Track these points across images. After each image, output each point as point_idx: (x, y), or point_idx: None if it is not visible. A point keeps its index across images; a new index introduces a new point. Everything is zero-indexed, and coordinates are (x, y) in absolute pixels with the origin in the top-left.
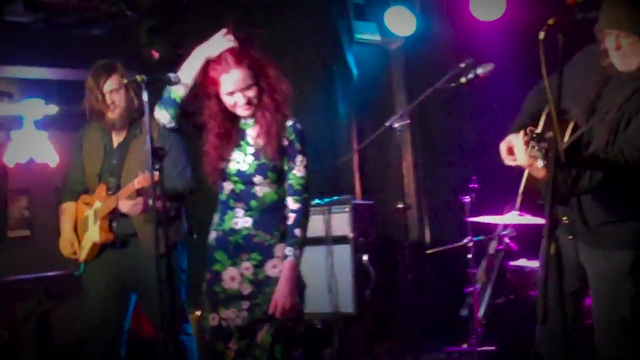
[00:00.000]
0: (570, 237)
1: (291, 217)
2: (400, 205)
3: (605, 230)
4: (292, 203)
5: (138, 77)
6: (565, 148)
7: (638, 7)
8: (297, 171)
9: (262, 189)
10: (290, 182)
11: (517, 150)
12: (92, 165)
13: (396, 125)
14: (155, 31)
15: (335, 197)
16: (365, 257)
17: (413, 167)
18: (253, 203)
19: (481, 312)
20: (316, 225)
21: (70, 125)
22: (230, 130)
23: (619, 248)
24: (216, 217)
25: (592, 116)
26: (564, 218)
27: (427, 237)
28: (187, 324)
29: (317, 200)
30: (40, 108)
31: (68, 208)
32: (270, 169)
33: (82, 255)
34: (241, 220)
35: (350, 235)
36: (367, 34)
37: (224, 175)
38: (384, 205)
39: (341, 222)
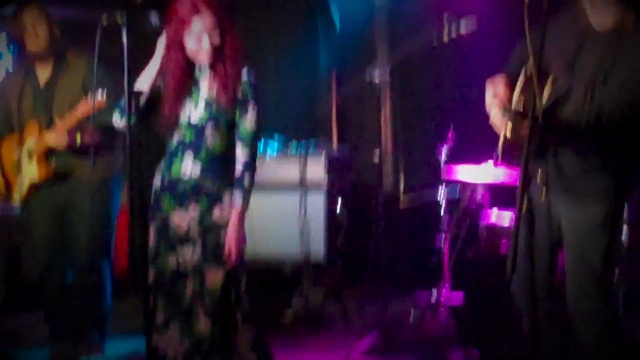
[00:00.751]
0: (543, 196)
1: (239, 165)
2: (376, 154)
3: (580, 180)
4: (241, 151)
5: (118, 17)
6: (545, 107)
7: None
8: (248, 121)
9: (213, 138)
10: (240, 132)
11: (493, 113)
12: (20, 104)
13: (375, 78)
14: None
15: (312, 141)
16: (338, 206)
17: (391, 119)
18: (203, 152)
19: (451, 263)
20: (291, 171)
21: None
22: (186, 82)
23: (594, 199)
24: (163, 164)
25: (570, 74)
26: (538, 175)
27: (402, 187)
28: (105, 264)
29: (293, 144)
30: None
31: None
32: (222, 119)
33: (17, 197)
34: (190, 167)
35: (324, 181)
36: None
37: (175, 125)
38: (360, 154)
39: (316, 169)
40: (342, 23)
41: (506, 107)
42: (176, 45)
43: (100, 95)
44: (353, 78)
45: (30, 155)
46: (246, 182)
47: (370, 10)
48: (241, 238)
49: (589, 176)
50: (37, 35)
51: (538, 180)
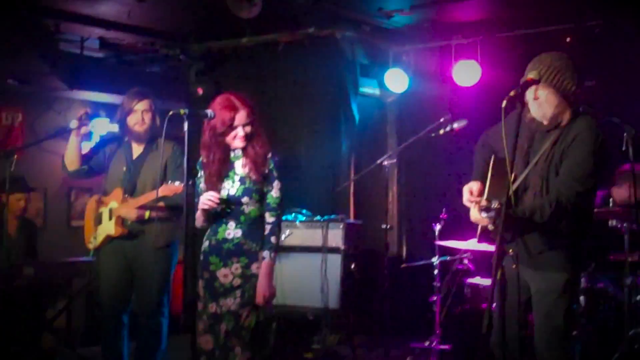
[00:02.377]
0: (514, 265)
1: (267, 228)
2: (384, 226)
3: (543, 256)
4: (269, 217)
5: (181, 110)
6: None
7: (555, 65)
8: (274, 192)
9: (249, 207)
10: (268, 200)
11: (472, 213)
12: (116, 172)
13: (386, 163)
14: (201, 73)
15: (332, 216)
16: (352, 266)
17: (397, 198)
18: (242, 218)
19: (441, 317)
20: (315, 237)
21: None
22: (224, 165)
23: (555, 270)
24: (210, 230)
25: (526, 167)
26: (510, 250)
27: (404, 253)
28: (166, 309)
29: (317, 217)
30: (106, 126)
31: (91, 202)
32: (254, 191)
33: (95, 244)
34: (232, 231)
35: (342, 247)
36: (369, 88)
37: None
38: (371, 225)
39: (335, 236)
40: (361, 116)
41: (483, 207)
42: (218, 135)
43: (179, 182)
44: (368, 162)
45: (110, 214)
46: (273, 240)
47: (382, 106)
48: (271, 284)
49: (550, 252)
50: (143, 121)
51: (510, 252)
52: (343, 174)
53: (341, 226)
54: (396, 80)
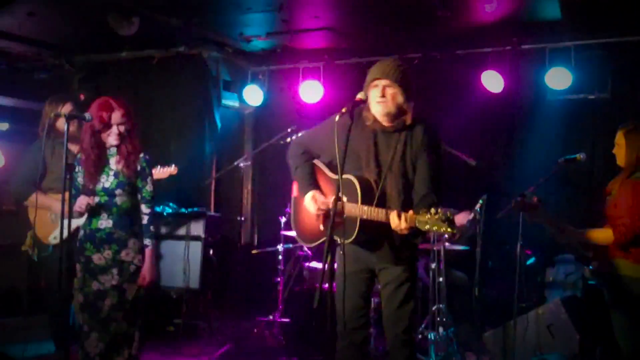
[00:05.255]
0: (342, 251)
1: (145, 218)
2: (239, 219)
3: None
4: (145, 208)
5: (62, 112)
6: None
7: (401, 67)
8: (148, 187)
9: (121, 198)
10: (144, 194)
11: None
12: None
13: (242, 165)
14: (84, 80)
15: (195, 208)
16: (211, 252)
17: (250, 194)
18: (114, 209)
19: (285, 294)
20: (180, 227)
21: (16, 138)
22: (100, 161)
23: (397, 264)
24: (85, 220)
25: (378, 168)
26: (343, 238)
27: (255, 241)
28: None
29: (182, 210)
30: None
31: (43, 200)
32: (127, 184)
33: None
34: (104, 222)
35: (203, 235)
36: (230, 101)
37: (93, 191)
38: (228, 218)
39: (197, 226)
40: (222, 124)
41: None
42: (95, 133)
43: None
44: (227, 163)
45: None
46: (152, 228)
47: (241, 117)
48: (154, 268)
49: (392, 242)
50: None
51: (338, 240)
52: (206, 173)
53: (202, 217)
54: (253, 95)
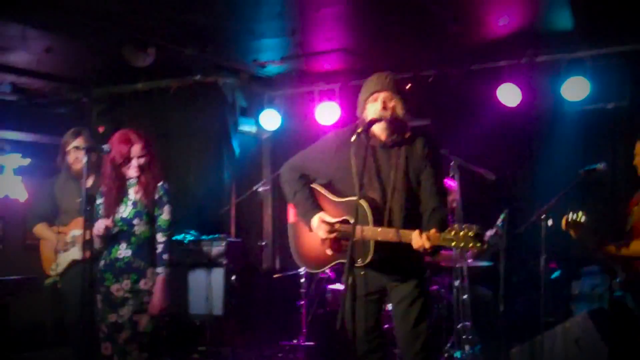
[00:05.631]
0: (363, 272)
1: (160, 247)
2: (260, 243)
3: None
4: (160, 237)
5: (81, 145)
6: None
7: (396, 80)
8: (164, 215)
9: (139, 228)
10: (159, 223)
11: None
12: (70, 203)
13: (261, 189)
14: (102, 113)
15: (216, 235)
16: (233, 278)
17: (271, 218)
18: (133, 239)
19: (308, 318)
20: (202, 254)
21: (39, 173)
22: (120, 193)
23: (407, 277)
24: (105, 250)
25: (381, 185)
26: (359, 260)
27: (277, 265)
28: None
29: (203, 237)
30: (18, 160)
31: (44, 231)
32: (145, 214)
33: (57, 271)
34: (123, 251)
35: (224, 262)
36: (247, 127)
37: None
38: (249, 243)
39: (219, 253)
40: (240, 150)
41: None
42: (117, 166)
43: None
44: (246, 189)
45: (75, 240)
46: (166, 257)
47: (258, 142)
48: (164, 297)
49: (404, 260)
50: (78, 160)
51: (359, 261)
52: (225, 199)
53: (224, 244)
54: (270, 120)
